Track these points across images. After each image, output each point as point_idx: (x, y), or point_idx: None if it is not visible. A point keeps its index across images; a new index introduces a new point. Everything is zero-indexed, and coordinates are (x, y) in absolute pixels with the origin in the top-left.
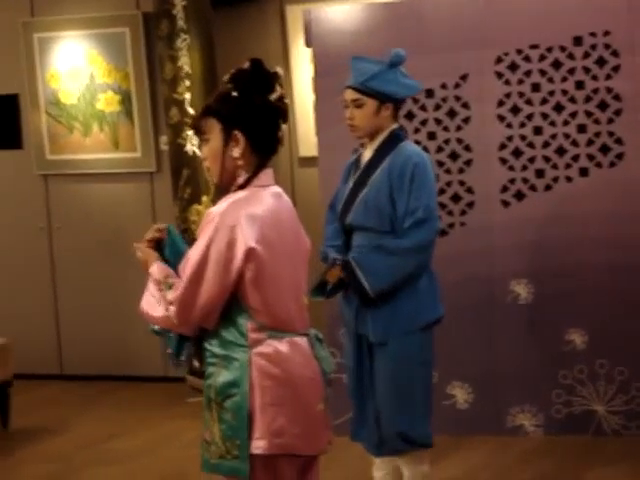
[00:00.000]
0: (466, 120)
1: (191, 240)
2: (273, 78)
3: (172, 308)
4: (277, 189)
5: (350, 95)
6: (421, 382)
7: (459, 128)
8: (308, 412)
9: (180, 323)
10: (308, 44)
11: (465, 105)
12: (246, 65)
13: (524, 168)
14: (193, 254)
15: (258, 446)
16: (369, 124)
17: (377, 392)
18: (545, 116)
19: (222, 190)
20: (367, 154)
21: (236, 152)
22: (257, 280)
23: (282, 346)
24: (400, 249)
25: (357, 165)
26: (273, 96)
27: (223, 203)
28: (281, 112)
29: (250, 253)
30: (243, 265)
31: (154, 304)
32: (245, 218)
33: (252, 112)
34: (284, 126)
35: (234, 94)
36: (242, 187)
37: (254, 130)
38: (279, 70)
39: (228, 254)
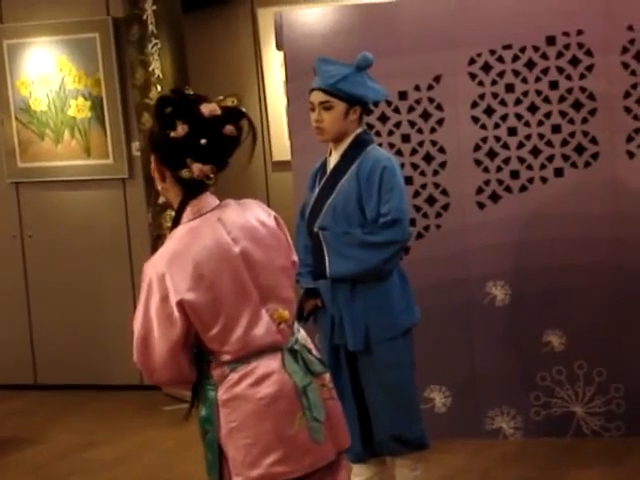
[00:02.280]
0: (440, 122)
1: None
2: (180, 114)
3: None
4: (220, 212)
5: (318, 97)
6: (411, 384)
7: (433, 130)
8: (283, 435)
9: (158, 383)
10: (279, 47)
11: (439, 107)
12: (169, 93)
13: (499, 169)
14: (136, 319)
15: None
16: (337, 127)
17: (368, 399)
18: (519, 117)
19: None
20: (333, 159)
21: (156, 175)
22: (201, 325)
23: (246, 376)
24: (367, 242)
25: (323, 171)
26: (172, 134)
27: (155, 254)
28: (190, 151)
29: (182, 305)
30: (181, 315)
31: None
32: (175, 265)
33: (157, 143)
34: (199, 165)
35: (154, 116)
36: (175, 223)
37: (163, 161)
38: (207, 107)
39: (166, 309)
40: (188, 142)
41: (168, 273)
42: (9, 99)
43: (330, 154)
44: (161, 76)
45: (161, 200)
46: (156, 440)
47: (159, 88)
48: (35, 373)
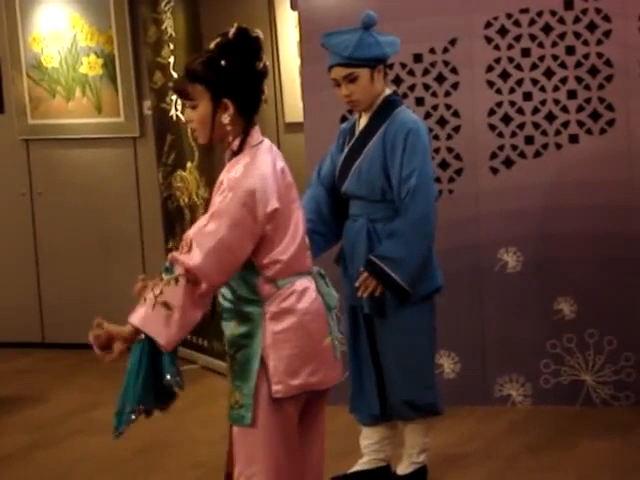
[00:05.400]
0: (455, 85)
1: (175, 207)
2: (257, 45)
3: (183, 280)
4: (267, 142)
5: (340, 72)
6: (425, 350)
7: (447, 94)
8: (317, 349)
9: (214, 286)
10: (293, 7)
11: (454, 70)
12: (231, 33)
13: (513, 135)
14: (214, 220)
15: (277, 390)
16: (368, 94)
17: (383, 362)
18: (535, 82)
19: (208, 150)
20: (362, 121)
21: (225, 119)
22: (274, 237)
23: (291, 293)
24: (410, 226)
25: (352, 132)
26: (260, 64)
27: (238, 167)
28: (264, 75)
29: (274, 214)
30: (265, 226)
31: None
32: (261, 180)
33: (240, 81)
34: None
35: (222, 63)
36: (239, 150)
37: (242, 97)
38: (260, 34)
39: (250, 217)
40: (264, 69)
41: (256, 186)
42: (21, 55)
43: (360, 116)
44: (173, 34)
45: (171, 160)
46: None
47: (171, 46)
48: (43, 332)
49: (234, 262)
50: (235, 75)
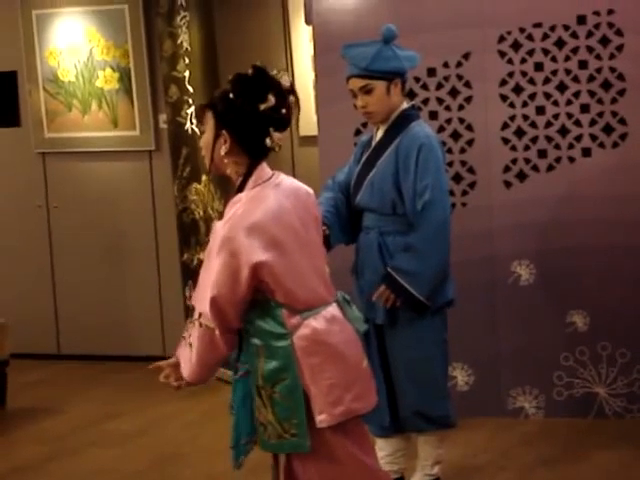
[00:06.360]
0: (468, 99)
1: (191, 220)
2: (268, 88)
3: (197, 323)
4: (275, 179)
5: (356, 83)
6: (436, 362)
7: (461, 107)
8: (357, 373)
9: (232, 330)
10: (308, 21)
11: (467, 84)
12: (249, 71)
13: (526, 148)
14: (207, 263)
15: (322, 420)
16: (384, 107)
17: (394, 374)
18: (548, 96)
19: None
20: (379, 134)
21: (222, 150)
22: (277, 282)
23: (318, 322)
24: (425, 240)
25: (369, 145)
26: (263, 106)
27: (225, 217)
28: (274, 121)
29: (260, 266)
30: (253, 277)
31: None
32: (246, 231)
33: (240, 117)
34: (277, 134)
35: (230, 96)
36: (240, 188)
37: (240, 134)
38: (284, 79)
39: (234, 264)
40: (274, 112)
41: (241, 236)
42: (37, 69)
43: (378, 129)
44: (189, 48)
45: (186, 173)
46: (177, 412)
47: (187, 60)
48: (58, 343)
49: (232, 306)
50: (236, 110)
